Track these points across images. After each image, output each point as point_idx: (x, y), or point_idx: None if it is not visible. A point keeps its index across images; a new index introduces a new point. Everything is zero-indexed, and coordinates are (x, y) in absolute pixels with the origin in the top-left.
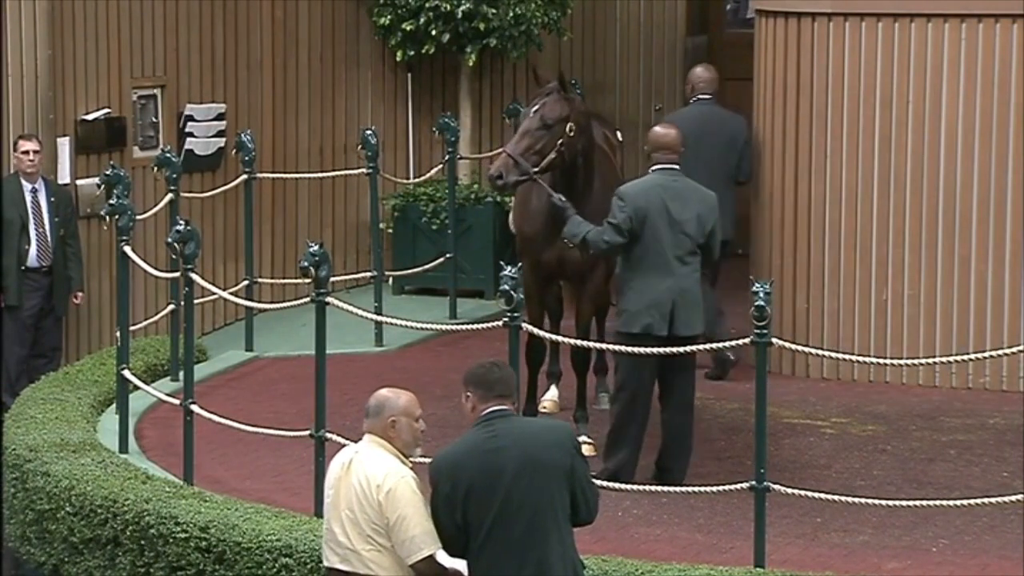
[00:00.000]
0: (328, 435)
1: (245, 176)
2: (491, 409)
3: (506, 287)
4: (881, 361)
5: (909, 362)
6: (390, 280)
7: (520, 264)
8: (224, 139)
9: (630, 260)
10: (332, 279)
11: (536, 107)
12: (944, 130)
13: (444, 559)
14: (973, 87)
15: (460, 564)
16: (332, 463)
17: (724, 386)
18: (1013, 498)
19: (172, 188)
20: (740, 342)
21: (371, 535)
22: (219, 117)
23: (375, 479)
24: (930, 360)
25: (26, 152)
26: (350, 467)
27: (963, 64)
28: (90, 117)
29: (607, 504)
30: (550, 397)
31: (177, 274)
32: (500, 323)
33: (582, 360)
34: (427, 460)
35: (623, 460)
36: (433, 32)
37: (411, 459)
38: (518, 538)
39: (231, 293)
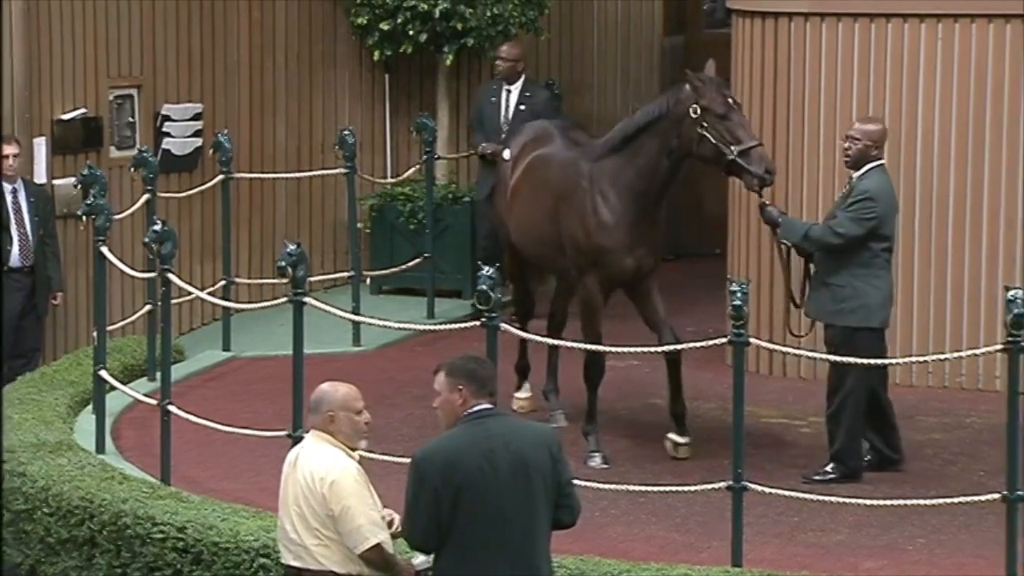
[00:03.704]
0: (305, 435)
1: (222, 176)
2: (483, 407)
3: (483, 287)
4: (860, 361)
5: (887, 362)
6: (368, 280)
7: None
8: (201, 139)
9: (866, 256)
10: (310, 279)
11: (730, 98)
12: (920, 130)
13: (418, 558)
14: (950, 87)
15: (419, 558)
16: (285, 462)
17: (702, 386)
18: (989, 497)
19: (149, 188)
20: (718, 341)
21: (318, 528)
22: (196, 117)
23: (318, 472)
24: (907, 359)
25: (6, 156)
26: (296, 463)
27: (939, 64)
28: (66, 117)
29: (584, 503)
30: (524, 395)
31: (154, 274)
32: (478, 323)
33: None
34: (381, 456)
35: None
36: (410, 32)
37: (357, 451)
38: (510, 540)
39: (208, 293)
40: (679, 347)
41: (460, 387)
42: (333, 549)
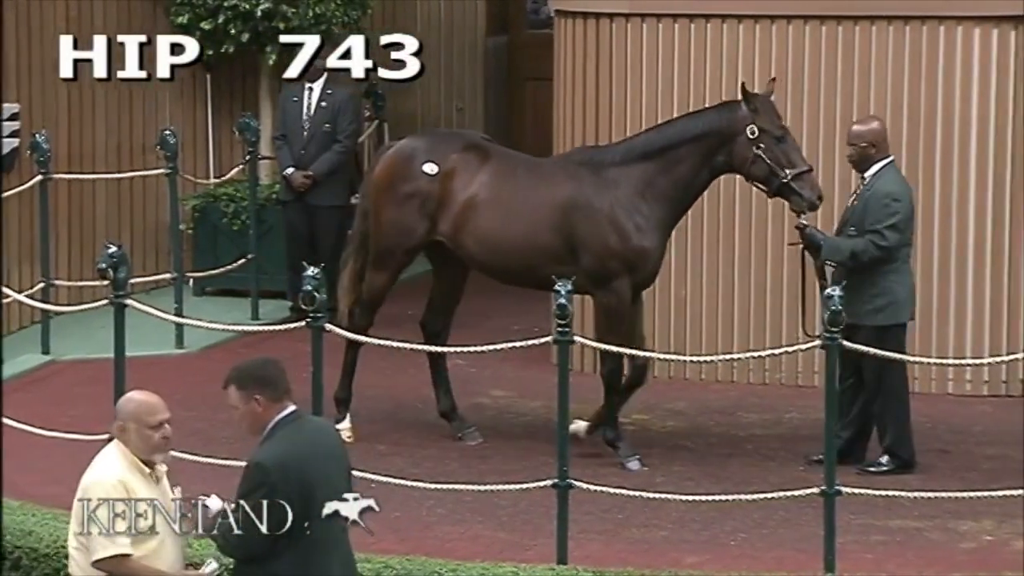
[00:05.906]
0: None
1: (40, 177)
2: (291, 409)
3: (308, 287)
4: (680, 357)
5: (708, 358)
6: (191, 281)
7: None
8: (18, 140)
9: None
10: (131, 281)
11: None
12: None
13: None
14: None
15: (212, 565)
16: None
17: (527, 384)
18: (808, 492)
19: None
20: (543, 340)
21: (78, 533)
22: (13, 117)
23: (85, 478)
24: (728, 356)
25: None
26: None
27: (757, 65)
28: None
29: (410, 503)
30: (346, 426)
31: None
32: (303, 324)
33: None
34: (205, 459)
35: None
36: (232, 31)
37: (157, 467)
38: (333, 537)
39: (27, 296)
40: (504, 345)
41: (257, 397)
42: (83, 555)
